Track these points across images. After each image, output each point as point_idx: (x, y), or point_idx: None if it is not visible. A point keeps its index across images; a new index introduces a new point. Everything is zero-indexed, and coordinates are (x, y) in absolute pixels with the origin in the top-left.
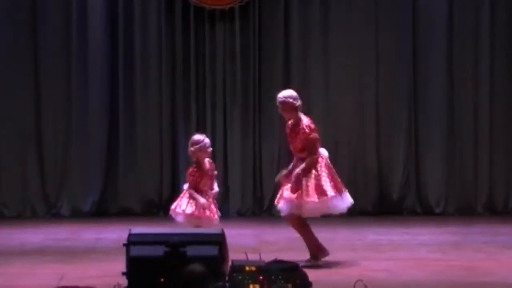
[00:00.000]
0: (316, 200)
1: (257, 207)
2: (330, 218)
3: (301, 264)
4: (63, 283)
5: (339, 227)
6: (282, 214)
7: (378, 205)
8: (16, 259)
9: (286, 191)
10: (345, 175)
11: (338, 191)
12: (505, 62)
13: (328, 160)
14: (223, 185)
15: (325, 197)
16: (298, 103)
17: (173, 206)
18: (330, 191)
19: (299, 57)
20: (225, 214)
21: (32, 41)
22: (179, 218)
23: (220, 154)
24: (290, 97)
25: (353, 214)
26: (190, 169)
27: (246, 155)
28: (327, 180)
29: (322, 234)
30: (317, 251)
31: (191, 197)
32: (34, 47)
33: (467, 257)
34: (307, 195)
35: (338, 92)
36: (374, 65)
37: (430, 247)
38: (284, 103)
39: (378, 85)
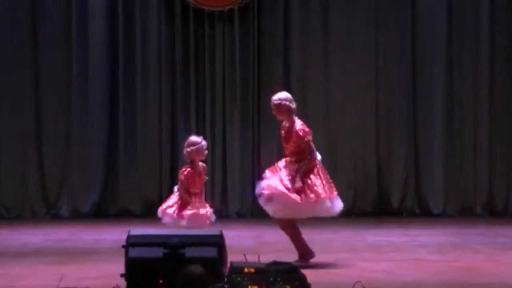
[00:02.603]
0: (312, 200)
1: (256, 208)
2: (329, 219)
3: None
4: (62, 284)
5: (339, 228)
6: (275, 215)
7: (377, 206)
8: (16, 260)
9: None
10: (345, 176)
11: (330, 194)
12: (505, 62)
13: (320, 164)
14: (222, 186)
15: (318, 199)
16: (294, 105)
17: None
18: (323, 193)
19: (299, 57)
20: (224, 215)
21: (32, 41)
22: (166, 220)
23: (219, 154)
24: (286, 99)
25: (352, 215)
26: (183, 168)
27: (246, 156)
28: (320, 182)
29: (322, 235)
30: (304, 252)
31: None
32: (34, 47)
33: (467, 258)
34: (304, 196)
35: (338, 93)
36: (373, 66)
37: (429, 248)
38: (280, 106)
39: (377, 86)
